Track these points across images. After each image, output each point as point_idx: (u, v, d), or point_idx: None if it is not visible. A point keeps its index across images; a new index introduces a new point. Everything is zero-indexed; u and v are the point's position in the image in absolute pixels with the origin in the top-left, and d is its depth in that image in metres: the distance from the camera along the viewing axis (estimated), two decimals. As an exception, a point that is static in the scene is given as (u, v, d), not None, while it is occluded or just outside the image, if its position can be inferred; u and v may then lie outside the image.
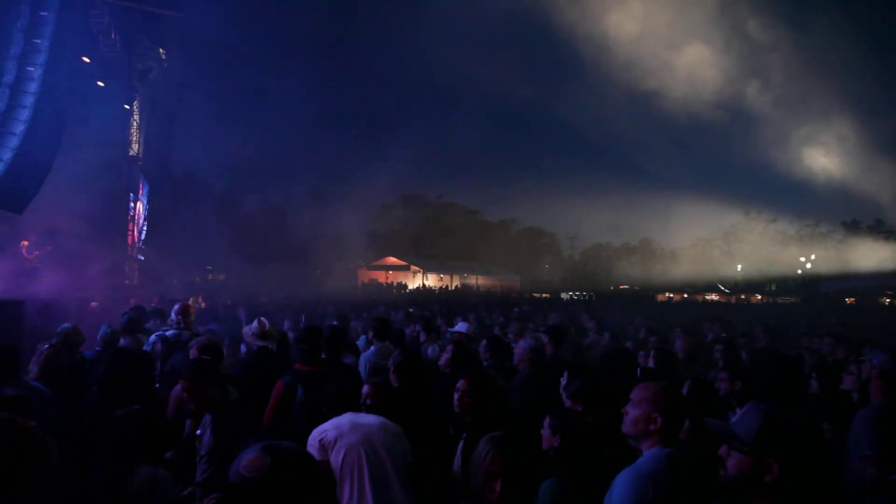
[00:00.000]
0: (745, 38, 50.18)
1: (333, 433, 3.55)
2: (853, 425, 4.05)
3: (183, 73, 26.13)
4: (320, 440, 3.53)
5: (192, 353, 4.79)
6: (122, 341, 6.17)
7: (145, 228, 25.95)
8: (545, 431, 3.33)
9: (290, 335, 7.61)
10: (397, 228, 55.33)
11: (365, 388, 4.16)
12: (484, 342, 6.05)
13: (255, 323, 5.49)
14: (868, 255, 45.78)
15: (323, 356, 5.00)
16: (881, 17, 72.68)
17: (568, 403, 3.88)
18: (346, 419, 3.67)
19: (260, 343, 5.47)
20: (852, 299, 37.70)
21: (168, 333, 6.11)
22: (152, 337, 6.10)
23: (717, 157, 78.58)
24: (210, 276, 36.64)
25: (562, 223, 68.82)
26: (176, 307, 6.47)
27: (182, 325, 6.25)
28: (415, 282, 51.01)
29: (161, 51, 24.56)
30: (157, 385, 5.23)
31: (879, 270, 39.13)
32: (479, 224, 64.38)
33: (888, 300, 38.03)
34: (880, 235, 53.90)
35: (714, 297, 48.90)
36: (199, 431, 3.74)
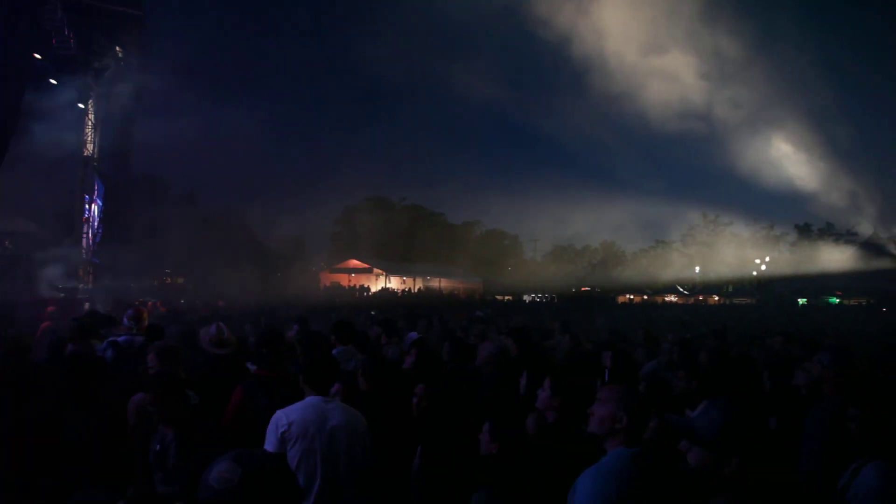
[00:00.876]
0: (706, 50, 51.28)
1: (296, 430, 3.54)
2: (806, 423, 4.15)
3: (141, 73, 25.49)
4: (282, 433, 3.53)
5: (150, 358, 4.62)
6: (69, 347, 5.93)
7: (101, 231, 25.29)
8: (484, 437, 3.30)
9: (250, 340, 7.48)
10: (360, 231, 55.02)
11: (335, 387, 4.14)
12: (447, 345, 6.02)
13: (212, 328, 5.34)
14: (819, 258, 47.18)
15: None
16: (833, 32, 75.08)
17: (553, 404, 3.86)
18: (313, 412, 3.63)
19: (217, 351, 5.32)
20: (804, 299, 38.73)
21: (120, 339, 5.91)
22: (103, 343, 5.90)
23: (676, 162, 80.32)
24: (169, 280, 35.89)
25: (524, 226, 69.46)
26: (129, 312, 6.28)
27: (135, 331, 6.06)
28: (377, 284, 50.76)
29: (118, 49, 23.96)
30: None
31: (829, 272, 40.28)
32: (443, 226, 64.39)
33: (838, 300, 39.16)
34: (830, 238, 55.61)
35: (673, 298, 49.74)
36: (157, 446, 3.60)
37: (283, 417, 3.60)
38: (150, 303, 16.81)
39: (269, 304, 19.23)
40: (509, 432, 3.26)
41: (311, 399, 3.72)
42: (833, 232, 55.78)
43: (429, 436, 3.76)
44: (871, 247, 43.32)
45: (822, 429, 4.00)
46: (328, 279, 49.96)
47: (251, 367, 4.77)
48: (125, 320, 6.23)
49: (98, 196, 24.82)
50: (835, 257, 45.99)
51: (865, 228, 50.14)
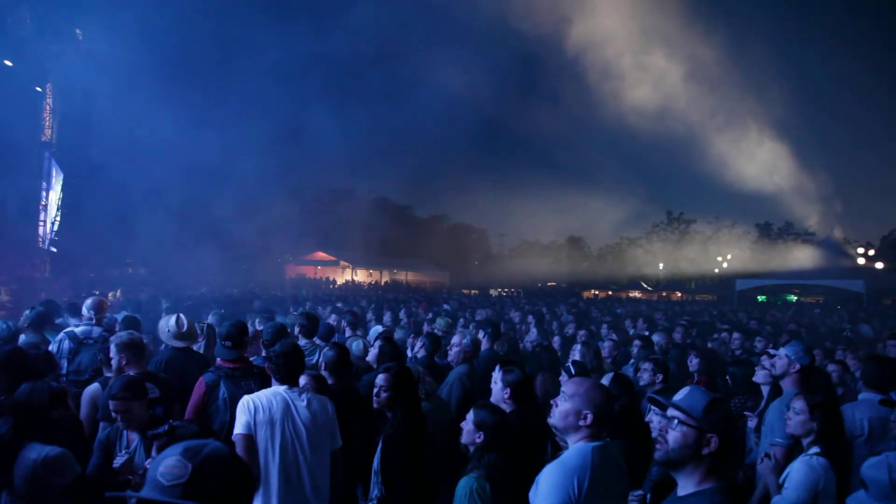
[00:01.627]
0: (673, 52, 51.91)
1: (263, 417, 3.56)
2: (766, 414, 4.24)
3: (103, 55, 24.75)
4: (250, 418, 3.55)
5: (112, 351, 4.49)
6: (22, 338, 5.75)
7: (58, 219, 24.62)
8: (468, 426, 3.31)
9: (214, 331, 7.36)
10: (327, 223, 54.58)
11: (303, 380, 4.14)
12: (421, 339, 6.02)
13: (172, 320, 5.21)
14: (778, 256, 48.28)
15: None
16: (796, 36, 76.69)
17: (504, 395, 3.89)
18: (280, 400, 3.64)
19: (178, 343, 5.20)
20: (764, 297, 39.58)
21: (77, 330, 5.75)
22: (60, 334, 5.74)
23: (641, 160, 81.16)
24: (130, 270, 35.13)
25: (491, 220, 69.71)
26: (88, 302, 6.11)
27: (94, 322, 5.91)
28: (344, 277, 50.50)
29: (78, 31, 23.28)
30: (64, 384, 4.91)
31: (788, 269, 41.21)
32: (410, 220, 64.32)
33: (795, 297, 40.11)
34: (789, 237, 56.99)
35: (637, 294, 50.43)
36: (122, 454, 3.47)
37: (251, 403, 3.60)
38: (110, 293, 16.43)
39: (234, 296, 18.97)
40: (494, 422, 3.26)
41: (278, 388, 3.71)
42: (792, 231, 57.21)
43: (388, 431, 3.75)
44: (827, 246, 44.38)
45: (782, 420, 4.09)
46: (294, 271, 49.54)
47: (218, 357, 4.68)
48: (84, 310, 6.07)
49: (56, 183, 24.17)
50: (793, 256, 47.11)
51: (823, 228, 51.44)
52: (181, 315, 5.32)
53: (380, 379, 3.88)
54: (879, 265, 35.66)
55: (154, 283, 23.83)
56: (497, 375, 3.98)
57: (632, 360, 6.87)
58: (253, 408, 3.58)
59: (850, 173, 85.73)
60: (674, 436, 2.14)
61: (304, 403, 3.69)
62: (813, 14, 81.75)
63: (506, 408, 3.79)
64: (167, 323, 5.21)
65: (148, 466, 3.31)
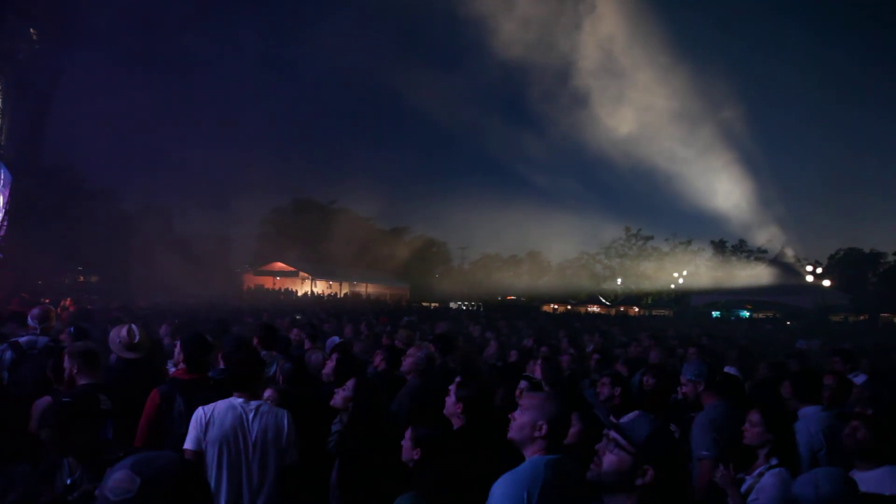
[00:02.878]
0: (632, 71, 53.11)
1: (215, 431, 3.48)
2: (692, 428, 4.32)
3: (58, 56, 24.10)
4: (202, 432, 3.49)
5: (66, 360, 4.32)
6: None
7: (6, 223, 23.83)
8: (406, 443, 3.34)
9: (167, 342, 7.17)
10: (287, 233, 53.99)
11: (267, 392, 4.09)
12: (381, 353, 5.96)
13: (124, 330, 5.05)
14: (732, 273, 49.47)
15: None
16: (752, 52, 79.10)
17: (457, 410, 3.86)
18: (233, 413, 3.55)
19: (129, 355, 5.03)
20: (718, 312, 40.45)
21: (22, 340, 5.53)
22: (2, 344, 5.52)
23: (601, 176, 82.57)
24: (81, 278, 34.15)
25: (453, 234, 69.81)
26: (34, 311, 5.89)
27: (39, 331, 5.69)
28: (303, 288, 49.96)
29: (32, 30, 22.66)
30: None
31: (741, 286, 42.22)
32: (371, 232, 63.98)
33: (748, 313, 41.09)
34: (743, 254, 58.45)
35: (595, 308, 50.99)
36: (67, 481, 3.33)
37: (203, 417, 3.53)
38: (62, 301, 15.92)
39: (190, 306, 18.59)
40: (430, 438, 3.26)
41: (233, 400, 3.63)
42: (745, 249, 58.67)
43: (345, 446, 3.71)
44: (779, 264, 45.66)
45: (706, 433, 4.20)
46: (252, 281, 48.83)
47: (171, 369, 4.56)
48: (29, 320, 5.85)
49: (4, 186, 23.40)
50: (746, 273, 48.31)
51: (774, 246, 52.88)
52: (133, 325, 5.16)
53: (344, 390, 3.83)
54: (827, 283, 36.73)
55: (106, 292, 23.24)
56: (452, 389, 3.96)
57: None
58: (204, 422, 3.50)
59: (801, 195, 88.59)
60: (609, 459, 2.10)
61: (258, 416, 3.59)
62: (767, 38, 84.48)
63: (457, 422, 3.76)
64: (118, 333, 5.05)
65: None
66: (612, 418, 4.07)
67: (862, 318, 37.61)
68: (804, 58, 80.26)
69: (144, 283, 26.39)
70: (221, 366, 5.29)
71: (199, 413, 3.54)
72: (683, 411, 5.11)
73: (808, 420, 4.29)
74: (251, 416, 3.57)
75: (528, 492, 2.45)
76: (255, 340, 6.07)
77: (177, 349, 4.84)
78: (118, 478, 1.49)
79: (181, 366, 4.51)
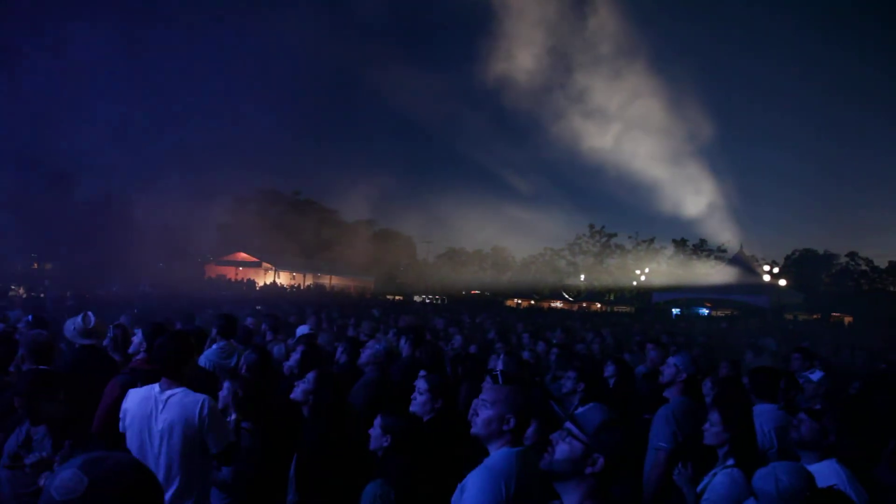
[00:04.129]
0: (602, 71, 53.64)
1: (128, 420, 3.42)
2: (653, 420, 4.40)
3: (6, 35, 23.28)
4: (123, 424, 3.45)
5: (20, 351, 4.24)
6: None
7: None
8: (375, 431, 3.32)
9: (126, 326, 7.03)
10: (250, 223, 53.19)
11: (227, 384, 4.05)
12: (342, 345, 5.93)
13: (79, 317, 4.95)
14: (692, 271, 50.42)
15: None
16: (715, 68, 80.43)
17: (425, 402, 3.88)
18: (145, 401, 3.43)
19: (85, 341, 4.94)
20: (678, 309, 41.16)
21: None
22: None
23: (566, 175, 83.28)
24: (35, 265, 33.22)
25: (418, 227, 69.74)
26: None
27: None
28: (266, 279, 49.36)
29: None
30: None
31: (701, 284, 43.03)
32: (336, 223, 63.51)
33: (707, 311, 41.92)
34: (703, 254, 59.59)
35: (558, 304, 51.46)
36: (39, 454, 3.25)
37: (124, 404, 3.47)
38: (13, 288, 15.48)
39: (149, 295, 18.25)
40: (401, 426, 3.26)
41: (152, 387, 3.50)
42: (705, 248, 59.80)
43: (305, 437, 3.69)
44: (737, 263, 46.65)
45: (666, 426, 4.30)
46: (214, 271, 48.06)
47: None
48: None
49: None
50: (706, 272, 49.27)
51: (734, 246, 54.03)
52: (89, 312, 5.07)
53: (304, 383, 3.80)
54: (783, 282, 37.67)
55: (61, 280, 22.65)
56: (419, 382, 3.98)
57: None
58: (124, 409, 3.46)
59: (760, 198, 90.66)
60: (561, 448, 2.12)
61: (168, 405, 3.39)
62: (729, 48, 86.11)
63: (426, 415, 3.79)
64: (73, 321, 4.95)
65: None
66: (558, 408, 4.14)
67: (815, 317, 38.68)
68: (766, 69, 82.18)
69: (102, 271, 25.75)
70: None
71: (125, 398, 3.50)
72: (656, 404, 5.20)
73: (762, 417, 4.38)
74: (162, 404, 3.39)
75: (506, 484, 2.48)
76: (215, 330, 6.00)
77: (136, 339, 4.76)
78: (65, 477, 1.43)
79: (141, 355, 4.44)
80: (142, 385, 4.10)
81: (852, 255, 59.59)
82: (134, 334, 5.01)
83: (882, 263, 58.90)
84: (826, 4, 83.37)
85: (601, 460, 2.06)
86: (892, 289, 56.30)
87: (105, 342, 5.16)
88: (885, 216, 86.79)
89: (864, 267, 59.40)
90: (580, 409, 2.22)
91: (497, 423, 2.66)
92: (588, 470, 2.06)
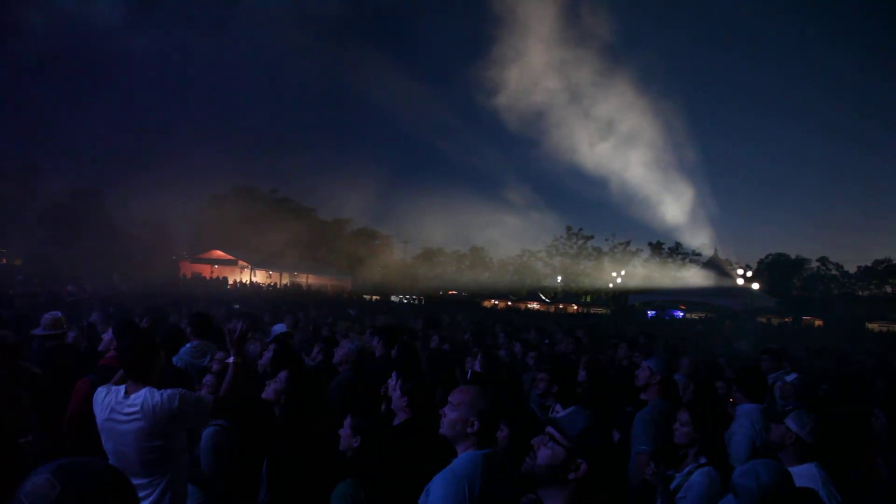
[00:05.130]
0: (577, 75, 53.97)
1: (98, 421, 3.34)
2: (633, 424, 4.45)
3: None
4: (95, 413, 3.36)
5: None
6: None
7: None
8: (345, 431, 3.31)
9: (99, 330, 6.95)
10: (226, 221, 52.68)
11: (208, 378, 4.08)
12: (319, 344, 5.90)
13: (49, 316, 4.87)
14: (668, 274, 50.94)
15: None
16: (690, 74, 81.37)
17: (402, 403, 3.87)
18: (107, 402, 3.36)
19: (50, 332, 4.84)
20: (653, 311, 41.55)
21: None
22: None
23: (544, 177, 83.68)
24: (4, 260, 32.62)
25: (396, 227, 69.63)
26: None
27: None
28: (242, 278, 48.95)
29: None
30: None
31: (676, 287, 43.48)
32: (313, 222, 63.16)
33: (682, 313, 42.37)
34: (678, 257, 60.27)
35: (535, 305, 51.65)
36: None
37: (94, 402, 3.41)
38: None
39: (122, 292, 18.00)
40: (371, 427, 3.25)
41: (118, 388, 3.43)
42: (681, 252, 60.48)
43: (275, 439, 3.66)
44: (712, 266, 47.20)
45: (646, 429, 4.34)
46: (189, 269, 47.53)
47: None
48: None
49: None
50: (681, 275, 49.81)
51: (708, 249, 54.71)
52: (57, 312, 5.01)
53: (276, 382, 3.78)
54: (756, 286, 38.17)
55: (31, 277, 22.24)
56: (397, 383, 3.96)
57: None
58: (95, 409, 3.40)
59: (734, 203, 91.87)
60: (544, 453, 2.10)
61: (136, 405, 3.32)
62: (705, 53, 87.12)
63: (403, 415, 3.79)
64: (43, 318, 4.88)
65: None
66: (552, 413, 4.17)
67: (787, 320, 39.26)
68: (744, 76, 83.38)
69: (73, 268, 25.33)
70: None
71: (94, 400, 3.44)
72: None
73: (752, 416, 4.46)
74: (128, 406, 3.33)
75: (469, 486, 2.46)
76: (189, 329, 5.93)
77: (106, 336, 4.70)
78: (37, 483, 1.39)
79: (111, 353, 4.38)
80: (113, 382, 4.05)
81: (823, 260, 60.67)
82: (105, 332, 4.95)
83: (851, 268, 60.10)
84: (803, 9, 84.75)
85: (584, 466, 2.04)
86: (860, 293, 57.36)
87: (69, 340, 5.08)
88: (854, 222, 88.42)
89: (834, 272, 60.48)
90: (561, 414, 2.20)
91: (461, 425, 2.65)
92: (571, 476, 2.05)
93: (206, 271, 47.26)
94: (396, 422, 3.93)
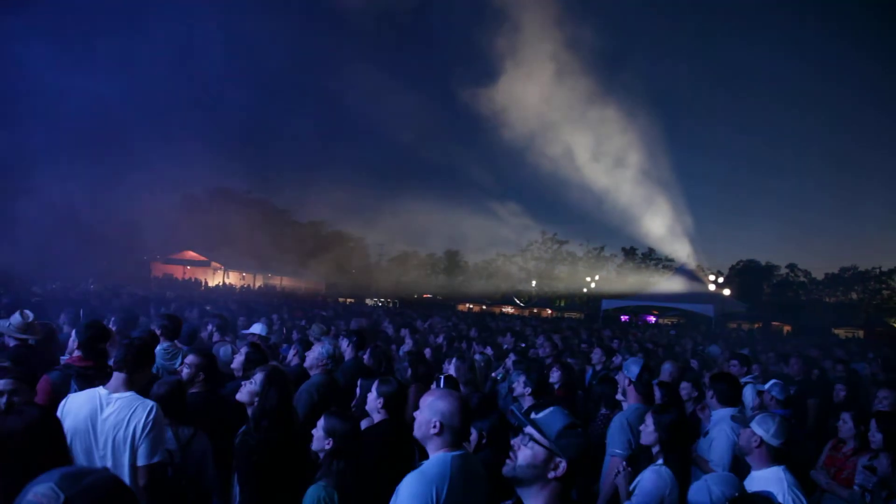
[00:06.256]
0: (556, 82, 54.39)
1: (69, 424, 3.21)
2: (609, 427, 4.56)
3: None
4: (61, 416, 3.23)
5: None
6: None
7: None
8: (317, 433, 3.31)
9: (67, 330, 6.81)
10: (199, 221, 52.04)
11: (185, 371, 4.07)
12: (294, 347, 5.86)
13: (16, 315, 4.78)
14: (641, 279, 51.50)
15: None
16: (664, 81, 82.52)
17: (378, 405, 3.87)
18: (88, 404, 3.31)
19: (20, 336, 4.77)
20: (626, 316, 41.99)
21: None
22: None
23: (520, 182, 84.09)
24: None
25: (371, 229, 69.46)
26: None
27: None
28: (215, 279, 48.47)
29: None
30: None
31: (649, 292, 43.93)
32: (288, 224, 62.76)
33: (654, 318, 42.86)
34: (652, 262, 61.00)
35: (509, 309, 51.88)
36: None
37: (62, 408, 3.31)
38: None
39: (90, 293, 17.69)
40: (343, 429, 3.25)
41: (97, 389, 3.39)
42: (654, 257, 61.21)
43: (241, 438, 3.63)
44: (684, 272, 47.78)
45: (622, 432, 4.43)
46: (161, 270, 46.93)
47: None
48: None
49: None
50: (654, 280, 50.39)
51: (681, 256, 55.45)
52: (25, 310, 4.91)
53: (251, 384, 3.75)
54: (727, 292, 38.77)
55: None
56: (373, 385, 3.97)
57: (495, 372, 7.02)
58: (62, 413, 3.28)
59: (706, 210, 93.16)
60: (524, 453, 2.13)
61: (114, 409, 3.29)
62: (679, 62, 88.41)
63: (378, 417, 3.78)
64: (9, 320, 4.79)
65: None
66: (533, 415, 4.20)
67: (756, 325, 39.93)
68: (713, 88, 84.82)
69: (41, 267, 24.82)
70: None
71: (61, 403, 3.35)
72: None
73: (727, 422, 4.54)
74: (109, 404, 3.29)
75: (437, 489, 2.47)
76: (159, 330, 5.85)
77: (72, 337, 4.62)
78: (39, 492, 1.35)
79: (76, 353, 4.31)
80: (76, 382, 3.99)
81: (792, 266, 61.82)
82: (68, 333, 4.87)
83: (819, 275, 61.31)
84: (766, 25, 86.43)
85: (563, 464, 2.08)
86: (827, 300, 58.54)
87: (31, 341, 5.00)
88: (823, 230, 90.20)
89: (802, 278, 61.64)
90: (540, 414, 2.23)
91: (426, 427, 2.68)
92: (551, 474, 2.08)
93: (178, 272, 46.73)
94: (366, 424, 3.93)
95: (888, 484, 4.06)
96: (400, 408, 4.04)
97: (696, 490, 2.99)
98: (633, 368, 4.79)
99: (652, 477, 3.50)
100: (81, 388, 3.91)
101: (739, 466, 4.03)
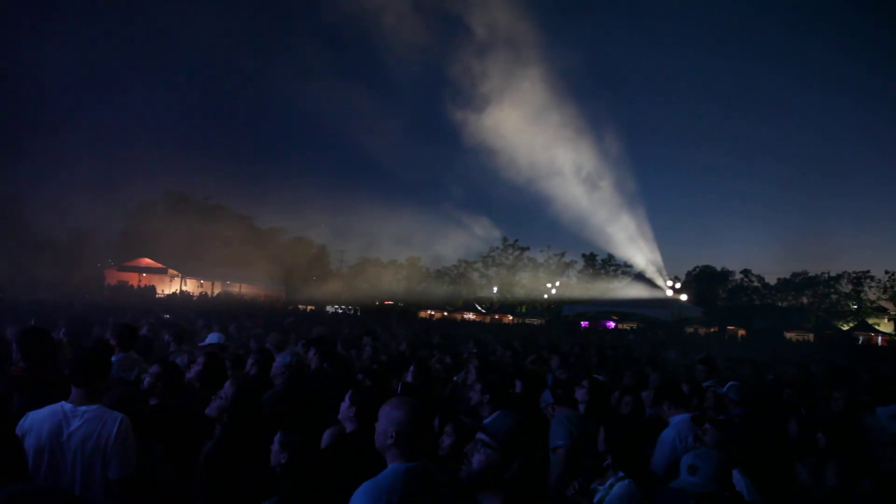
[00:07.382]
0: (514, 93, 54.89)
1: (31, 441, 3.13)
2: (551, 424, 4.68)
3: None
4: (21, 434, 3.13)
5: None
6: None
7: None
8: (274, 447, 3.29)
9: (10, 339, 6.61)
10: (156, 228, 50.91)
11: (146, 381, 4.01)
12: (252, 356, 5.76)
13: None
14: (600, 285, 52.14)
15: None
16: (626, 93, 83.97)
17: (350, 414, 3.84)
18: (51, 420, 3.20)
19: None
20: (587, 322, 42.41)
21: None
22: None
23: (481, 188, 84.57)
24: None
25: (332, 236, 68.97)
26: None
27: None
28: (172, 286, 47.48)
29: None
30: None
31: (608, 298, 44.47)
32: (248, 230, 61.83)
33: (614, 324, 43.40)
34: (611, 268, 61.79)
35: (471, 315, 51.97)
36: None
37: (23, 424, 3.20)
38: None
39: (42, 301, 17.18)
40: (298, 443, 3.21)
41: (62, 404, 3.30)
42: (613, 263, 61.99)
43: (215, 458, 3.56)
44: (642, 278, 48.52)
45: (560, 427, 4.57)
46: (115, 277, 45.76)
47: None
48: None
49: None
50: (613, 286, 51.04)
51: (639, 261, 56.27)
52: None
53: (221, 399, 3.69)
54: (684, 297, 39.47)
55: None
56: (348, 394, 3.93)
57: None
58: (23, 431, 3.17)
59: (665, 217, 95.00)
60: (477, 458, 2.19)
61: (82, 423, 3.21)
62: (643, 68, 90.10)
63: (350, 426, 3.74)
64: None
65: None
66: (469, 420, 4.23)
67: (712, 330, 40.74)
68: (671, 97, 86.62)
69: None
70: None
71: (21, 421, 3.23)
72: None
73: (681, 426, 4.65)
74: (74, 422, 3.21)
75: (388, 500, 2.44)
76: (114, 340, 5.71)
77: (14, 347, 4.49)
78: None
79: (20, 364, 4.19)
80: (18, 394, 3.86)
81: (746, 272, 63.22)
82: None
83: (772, 280, 62.87)
84: (732, 22, 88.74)
85: (516, 465, 2.15)
86: (780, 304, 60.02)
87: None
88: (774, 237, 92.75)
89: (755, 283, 63.11)
90: (488, 419, 2.27)
91: (382, 437, 2.67)
92: (507, 474, 2.15)
93: (133, 280, 45.62)
94: (328, 435, 3.89)
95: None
96: (374, 417, 4.01)
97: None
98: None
99: (623, 493, 3.49)
100: (24, 400, 3.79)
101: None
